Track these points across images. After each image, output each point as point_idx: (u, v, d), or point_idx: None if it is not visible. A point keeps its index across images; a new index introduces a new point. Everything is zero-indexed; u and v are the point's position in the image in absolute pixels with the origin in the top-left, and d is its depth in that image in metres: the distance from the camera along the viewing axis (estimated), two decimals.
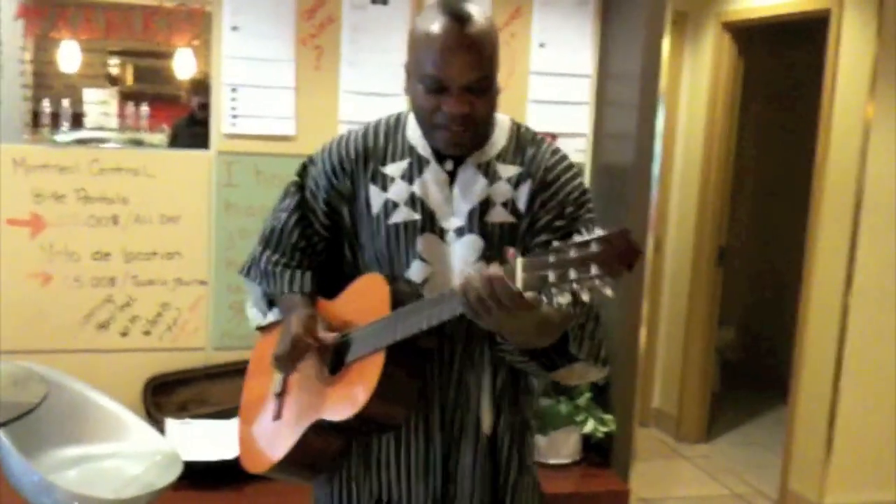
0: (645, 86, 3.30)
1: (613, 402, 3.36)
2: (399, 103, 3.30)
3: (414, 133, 1.79)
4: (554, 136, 3.53)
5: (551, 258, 1.35)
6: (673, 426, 5.15)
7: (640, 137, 3.31)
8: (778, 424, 4.91)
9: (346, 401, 1.72)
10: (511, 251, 1.50)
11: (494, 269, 1.45)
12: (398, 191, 1.77)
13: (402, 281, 1.76)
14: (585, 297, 1.31)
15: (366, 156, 1.81)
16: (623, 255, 1.29)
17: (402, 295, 1.71)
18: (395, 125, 1.83)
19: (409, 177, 1.77)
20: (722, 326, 5.34)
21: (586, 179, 3.57)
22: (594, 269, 1.29)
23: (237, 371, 3.26)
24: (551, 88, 3.53)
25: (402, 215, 1.76)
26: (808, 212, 4.15)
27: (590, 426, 3.29)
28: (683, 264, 5.11)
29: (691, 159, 5.07)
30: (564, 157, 1.80)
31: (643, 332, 3.39)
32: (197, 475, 2.75)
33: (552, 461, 3.27)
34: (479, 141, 1.74)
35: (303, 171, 1.92)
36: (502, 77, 3.32)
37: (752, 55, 5.04)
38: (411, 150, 1.78)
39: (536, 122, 3.50)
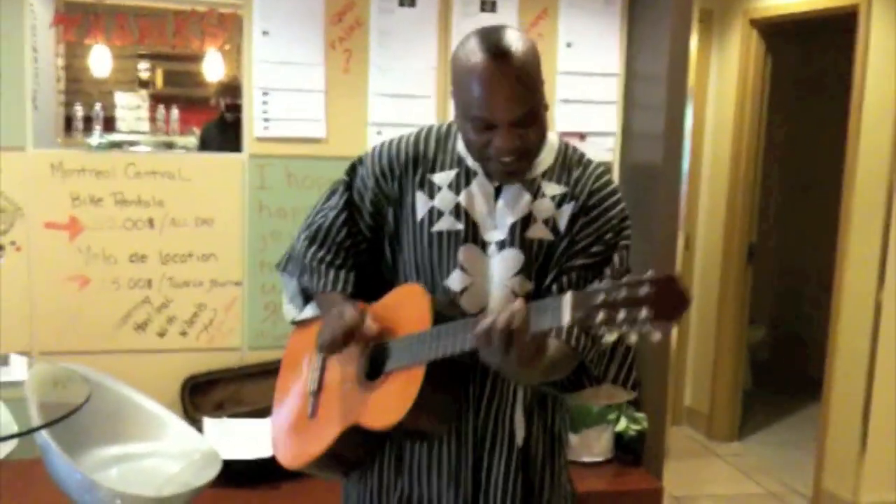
0: (672, 84, 3.30)
1: (645, 401, 3.36)
2: (428, 105, 3.33)
3: (463, 146, 1.79)
4: (582, 136, 3.54)
5: (601, 297, 1.35)
6: (704, 424, 5.14)
7: (668, 136, 3.31)
8: (810, 423, 4.88)
9: (384, 410, 1.73)
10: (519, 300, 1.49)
11: (520, 303, 1.46)
12: (444, 199, 1.78)
13: (441, 289, 1.78)
14: (633, 338, 1.31)
15: (415, 161, 1.82)
16: (673, 302, 1.29)
17: (440, 305, 1.73)
18: (445, 134, 1.84)
19: (455, 187, 1.78)
20: (753, 325, 5.31)
21: (615, 178, 3.58)
22: (644, 313, 1.29)
23: (273, 370, 3.27)
24: (579, 88, 3.54)
25: (445, 224, 1.77)
26: (839, 209, 4.13)
27: (622, 424, 3.30)
28: (713, 262, 5.10)
29: (720, 157, 5.05)
30: (609, 182, 1.80)
31: (674, 332, 3.39)
32: (234, 473, 2.79)
33: (584, 459, 3.28)
34: (533, 161, 1.73)
35: (352, 171, 1.92)
36: None
37: (780, 51, 5.01)
38: (460, 161, 1.79)
39: (564, 121, 3.51)
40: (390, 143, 1.87)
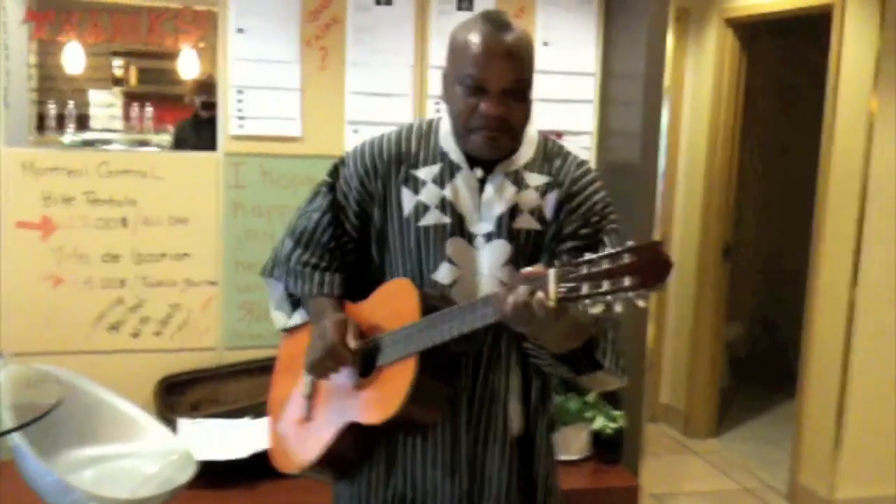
0: (649, 83, 3.31)
1: (622, 399, 3.37)
2: (405, 104, 3.32)
3: (446, 139, 1.82)
4: (559, 135, 3.55)
5: (584, 269, 1.38)
6: (682, 422, 5.16)
7: (644, 135, 3.33)
8: (787, 420, 4.91)
9: (378, 405, 1.74)
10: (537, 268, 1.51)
11: (524, 288, 1.47)
12: (429, 194, 1.79)
13: (429, 283, 1.78)
14: (619, 308, 1.35)
15: (398, 159, 1.83)
16: (656, 268, 1.32)
17: (430, 298, 1.74)
18: (427, 130, 1.86)
19: (440, 181, 1.80)
20: (730, 322, 5.34)
21: None
22: (627, 281, 1.32)
23: (249, 370, 3.29)
24: (555, 87, 3.54)
25: (432, 218, 1.79)
26: (814, 206, 4.16)
27: (599, 422, 3.31)
28: (690, 260, 5.12)
29: (696, 156, 5.08)
30: (590, 170, 1.84)
31: (651, 329, 3.40)
32: (210, 474, 2.77)
33: (562, 457, 3.28)
34: (511, 148, 1.78)
35: (334, 172, 1.92)
36: None
37: (756, 50, 5.04)
38: (443, 156, 1.81)
39: (542, 120, 3.51)
40: (372, 141, 1.88)
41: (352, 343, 1.76)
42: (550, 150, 1.84)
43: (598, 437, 3.37)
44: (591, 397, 3.31)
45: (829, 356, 4.06)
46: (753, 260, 6.24)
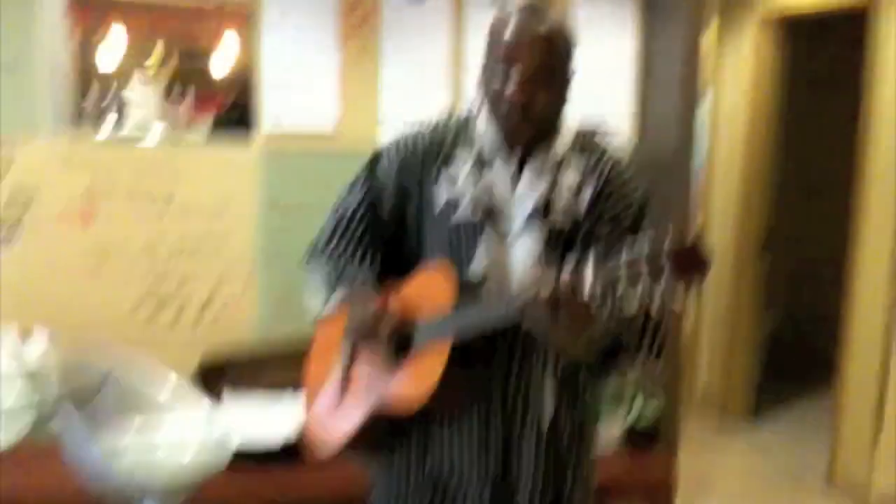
0: (687, 72, 3.30)
1: (660, 385, 3.35)
2: (440, 99, 3.32)
3: (481, 132, 1.81)
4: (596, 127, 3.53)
5: (623, 261, 1.37)
6: (719, 410, 5.15)
7: (682, 124, 3.32)
8: (824, 410, 4.86)
9: (408, 392, 1.75)
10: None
11: (564, 276, 1.48)
12: (461, 191, 1.79)
13: (463, 280, 1.77)
14: (656, 302, 1.33)
15: (433, 152, 1.82)
16: (694, 265, 1.32)
17: (467, 288, 1.74)
18: (463, 124, 1.85)
19: (472, 177, 1.79)
20: (768, 310, 5.32)
21: None
22: (664, 282, 1.32)
23: (285, 357, 3.30)
24: (593, 83, 3.52)
25: (465, 214, 1.78)
26: (853, 197, 4.13)
27: (637, 408, 3.29)
28: (728, 252, 5.11)
29: (734, 145, 5.07)
30: (628, 167, 1.82)
31: (690, 317, 3.39)
32: (248, 457, 2.78)
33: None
34: (538, 137, 1.76)
35: (372, 164, 1.92)
36: None
37: (794, 46, 5.02)
38: (478, 150, 1.80)
39: (577, 109, 3.50)
40: (407, 136, 1.88)
41: (396, 309, 1.77)
42: (587, 145, 1.82)
43: (635, 423, 3.35)
44: (629, 382, 3.30)
45: (869, 346, 4.03)
46: (791, 251, 6.19)
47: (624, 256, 1.37)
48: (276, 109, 3.29)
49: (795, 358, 6.06)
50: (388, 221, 1.89)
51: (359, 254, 1.91)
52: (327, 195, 3.16)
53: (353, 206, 1.91)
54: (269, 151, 3.28)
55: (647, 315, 1.71)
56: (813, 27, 5.14)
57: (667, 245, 1.33)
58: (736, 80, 5.05)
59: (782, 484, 4.27)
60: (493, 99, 1.72)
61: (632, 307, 1.36)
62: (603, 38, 3.51)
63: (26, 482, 2.68)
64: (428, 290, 1.79)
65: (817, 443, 4.55)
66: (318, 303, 2.03)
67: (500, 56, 1.69)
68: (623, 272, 1.36)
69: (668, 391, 3.35)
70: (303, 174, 3.32)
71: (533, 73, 1.67)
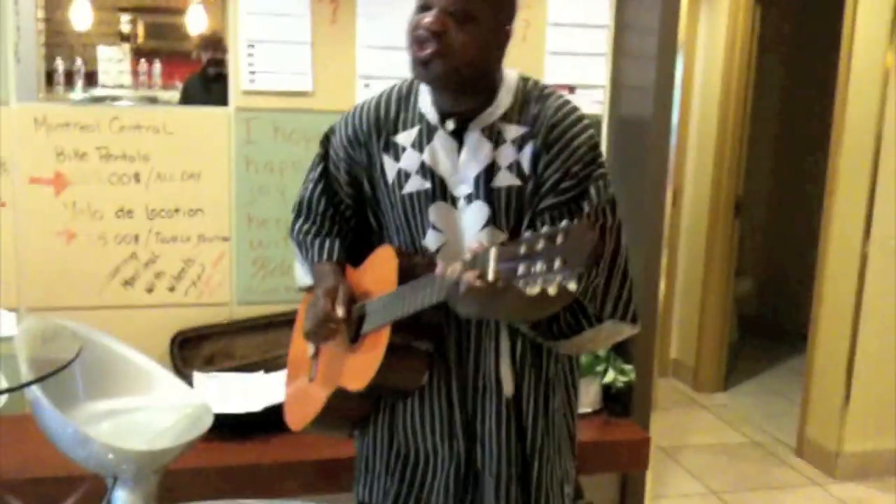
0: (663, 37, 3.27)
1: (633, 352, 3.39)
2: None
3: (424, 101, 1.79)
4: (571, 89, 3.52)
5: (522, 249, 1.33)
6: (691, 376, 5.19)
7: (658, 89, 3.30)
8: (795, 374, 4.94)
9: (358, 371, 1.77)
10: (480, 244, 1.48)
11: (459, 266, 1.45)
12: (409, 160, 1.78)
13: (420, 250, 1.78)
14: (552, 290, 1.28)
15: (378, 126, 1.82)
16: (582, 248, 1.27)
17: (415, 267, 1.73)
18: (406, 93, 1.82)
19: (419, 145, 1.77)
20: (739, 277, 5.35)
21: (603, 132, 3.57)
22: (558, 263, 1.27)
23: (261, 325, 3.31)
24: (568, 40, 3.51)
25: (414, 185, 1.77)
26: (826, 162, 4.14)
27: (610, 376, 3.33)
28: (700, 216, 5.11)
29: (708, 111, 5.04)
30: (570, 112, 1.72)
31: (663, 284, 3.41)
32: (224, 427, 2.80)
33: None
34: (447, 74, 1.65)
35: (325, 141, 1.94)
36: (519, 28, 3.29)
37: (770, 4, 4.98)
38: (421, 118, 1.78)
39: (554, 74, 3.49)
40: (354, 111, 1.88)
41: (339, 311, 1.78)
42: (529, 94, 1.74)
43: (608, 391, 3.40)
44: (601, 351, 3.33)
45: (840, 311, 4.07)
46: (764, 215, 6.23)
47: (524, 245, 1.33)
48: (251, 68, 3.24)
49: (767, 323, 6.14)
50: (346, 196, 1.90)
51: (325, 230, 1.93)
52: (305, 154, 3.18)
53: (313, 183, 1.94)
54: (245, 111, 3.25)
55: (612, 275, 1.70)
56: None
57: (562, 226, 1.29)
58: (710, 44, 5.02)
59: (751, 454, 4.35)
60: (411, 28, 1.66)
61: (533, 290, 1.30)
62: (578, 4, 3.48)
63: (2, 455, 2.68)
64: (377, 270, 1.81)
65: (788, 410, 4.63)
66: (302, 274, 2.04)
67: (420, 1, 1.66)
68: (522, 251, 1.32)
69: (641, 359, 3.39)
70: (279, 133, 3.29)
71: (449, 7, 1.61)
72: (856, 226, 3.98)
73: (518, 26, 3.43)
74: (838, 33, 4.03)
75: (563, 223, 1.31)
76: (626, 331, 1.81)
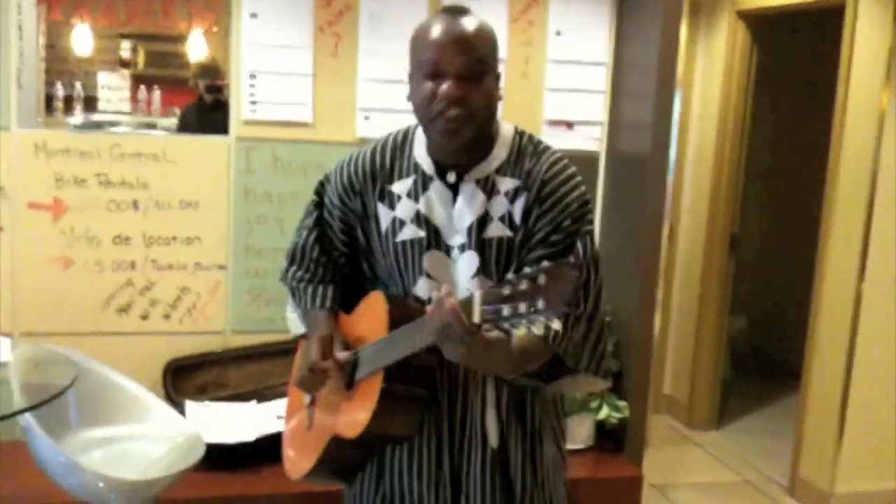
0: (662, 74, 3.31)
1: (627, 389, 3.39)
2: None
3: (420, 150, 1.81)
4: (570, 125, 3.55)
5: (506, 290, 1.37)
6: (684, 413, 5.18)
7: (656, 126, 3.32)
8: (788, 412, 4.93)
9: (353, 419, 1.78)
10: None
11: (452, 301, 1.47)
12: (404, 209, 1.80)
13: (412, 297, 1.80)
14: (537, 330, 1.35)
15: (373, 175, 1.84)
16: (563, 289, 1.32)
17: (406, 312, 1.74)
18: (402, 142, 1.85)
19: (414, 194, 1.79)
20: (733, 314, 5.35)
21: (601, 168, 3.59)
22: (541, 303, 1.32)
23: (255, 354, 3.31)
24: (567, 77, 3.54)
25: (409, 233, 1.79)
26: (822, 200, 4.16)
27: (604, 412, 3.32)
28: (695, 252, 5.12)
29: (704, 147, 5.07)
30: (564, 169, 1.77)
31: (658, 319, 3.41)
32: (215, 457, 2.79)
33: (566, 446, 3.30)
34: (473, 140, 1.71)
35: (320, 189, 1.96)
36: (519, 65, 3.33)
37: (767, 43, 5.03)
38: (416, 168, 1.80)
39: (552, 110, 3.52)
40: (349, 159, 1.90)
41: (329, 361, 1.80)
42: (524, 149, 1.79)
43: (601, 427, 3.39)
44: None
45: (834, 350, 4.07)
46: (759, 252, 6.25)
47: (507, 279, 1.37)
48: (252, 98, 3.26)
49: (761, 361, 6.14)
50: (340, 243, 1.92)
51: (318, 276, 1.95)
52: (303, 185, 3.19)
53: (307, 231, 1.95)
54: (245, 140, 3.26)
55: (581, 335, 1.73)
56: (788, 22, 5.15)
57: (542, 267, 1.34)
58: (707, 77, 5.06)
59: (744, 492, 4.33)
60: (426, 99, 1.68)
61: (519, 330, 1.36)
62: (578, 34, 3.51)
63: None
64: (369, 316, 1.83)
65: (781, 449, 4.61)
66: (295, 319, 2.05)
67: (428, 58, 1.67)
68: (506, 293, 1.36)
69: (635, 396, 3.39)
70: (279, 164, 3.31)
71: (464, 70, 1.65)
72: (851, 263, 4.00)
73: (518, 63, 3.49)
74: (835, 72, 4.07)
75: (545, 264, 1.35)
76: (599, 384, 1.85)
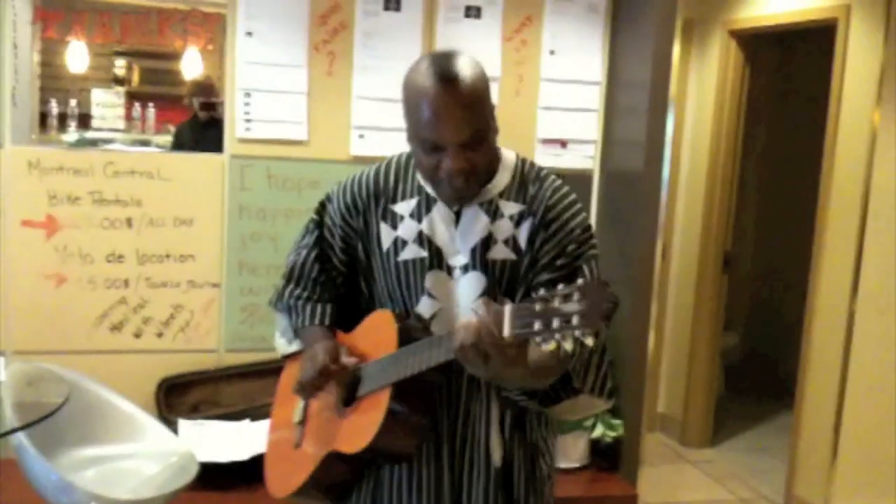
0: (655, 93, 3.32)
1: (622, 407, 3.38)
2: None
3: (420, 178, 1.83)
4: (563, 144, 3.56)
5: (538, 307, 1.38)
6: (678, 431, 5.17)
7: (649, 144, 3.33)
8: (782, 430, 4.93)
9: (356, 434, 1.77)
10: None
11: (484, 317, 1.48)
12: (407, 229, 1.81)
13: (413, 316, 1.81)
14: (568, 346, 1.35)
15: (377, 194, 1.86)
16: (602, 307, 1.33)
17: (413, 330, 1.76)
18: (405, 164, 1.87)
19: (417, 215, 1.81)
20: (727, 332, 5.36)
21: (594, 186, 3.60)
22: (575, 320, 1.33)
23: (249, 373, 3.29)
24: (561, 95, 3.55)
25: (410, 253, 1.81)
26: (814, 218, 4.18)
27: (598, 430, 3.32)
28: (689, 270, 5.13)
29: (697, 165, 5.09)
30: (567, 195, 1.80)
31: (652, 337, 3.41)
32: (209, 476, 2.77)
33: (561, 465, 3.29)
34: (482, 184, 1.76)
35: (321, 209, 1.97)
36: (512, 83, 3.35)
37: (759, 62, 5.06)
38: (420, 190, 1.82)
39: (546, 129, 3.53)
40: (353, 179, 1.92)
41: (350, 361, 1.81)
42: (527, 176, 1.82)
43: (596, 446, 3.38)
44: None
45: (828, 367, 4.08)
46: (752, 270, 6.26)
47: (540, 295, 1.39)
48: (247, 116, 3.27)
49: (754, 378, 6.14)
50: (340, 263, 1.93)
51: (316, 295, 1.96)
52: (298, 202, 3.20)
53: (307, 249, 1.96)
54: (239, 158, 3.26)
55: (588, 353, 1.73)
56: (780, 40, 5.19)
57: (578, 284, 1.35)
58: (700, 96, 5.09)
59: None
60: (429, 169, 1.71)
61: (549, 346, 1.37)
62: (572, 53, 3.53)
63: None
64: (374, 333, 1.83)
65: (775, 467, 4.61)
66: (284, 342, 2.06)
67: (427, 137, 1.67)
68: (538, 309, 1.38)
69: (630, 414, 3.38)
70: (273, 181, 3.31)
71: (464, 141, 1.65)
72: (844, 280, 4.01)
73: (512, 81, 3.50)
74: (827, 90, 4.09)
75: (579, 281, 1.37)
76: (600, 405, 1.86)
